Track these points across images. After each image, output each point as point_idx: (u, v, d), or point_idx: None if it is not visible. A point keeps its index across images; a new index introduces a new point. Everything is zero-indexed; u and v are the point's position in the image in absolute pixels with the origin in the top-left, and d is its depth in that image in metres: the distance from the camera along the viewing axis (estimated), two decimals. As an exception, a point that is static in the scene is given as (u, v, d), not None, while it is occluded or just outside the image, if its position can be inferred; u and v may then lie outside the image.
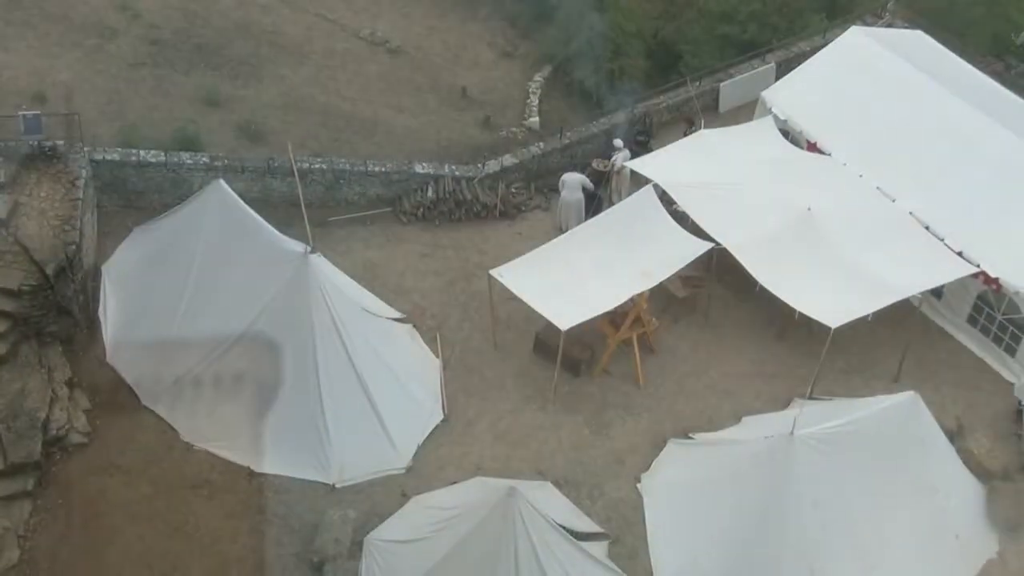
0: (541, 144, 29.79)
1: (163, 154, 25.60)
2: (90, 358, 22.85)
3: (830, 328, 22.36)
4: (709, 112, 31.17)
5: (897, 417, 20.59)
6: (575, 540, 19.23)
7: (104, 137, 25.94)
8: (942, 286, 24.61)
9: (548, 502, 19.99)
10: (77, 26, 29.62)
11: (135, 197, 25.76)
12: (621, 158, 27.90)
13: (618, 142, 28.50)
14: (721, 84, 32.14)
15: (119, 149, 25.47)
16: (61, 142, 24.34)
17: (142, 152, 25.49)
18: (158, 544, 19.90)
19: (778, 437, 19.99)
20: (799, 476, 19.64)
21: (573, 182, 27.32)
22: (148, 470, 20.96)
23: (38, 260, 21.74)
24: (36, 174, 23.61)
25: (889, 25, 33.47)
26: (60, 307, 22.17)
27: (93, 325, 23.37)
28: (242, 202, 22.74)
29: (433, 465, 21.84)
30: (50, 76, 27.55)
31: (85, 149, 24.53)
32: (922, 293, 23.92)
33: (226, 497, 20.70)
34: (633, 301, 23.17)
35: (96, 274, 24.08)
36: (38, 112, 24.57)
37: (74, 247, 22.26)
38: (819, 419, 20.40)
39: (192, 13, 31.40)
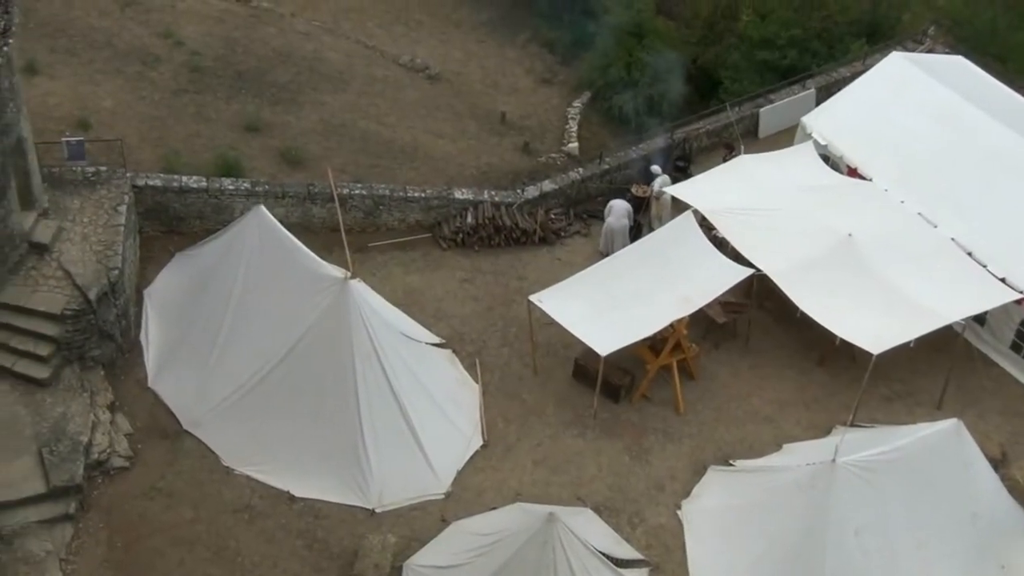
0: (580, 170, 29.83)
1: (204, 180, 25.77)
2: (131, 382, 22.97)
3: (872, 355, 22.21)
4: (749, 138, 31.12)
5: (940, 445, 20.37)
6: (615, 567, 19.15)
7: (146, 163, 26.16)
8: (985, 313, 24.42)
9: (588, 528, 19.89)
10: (120, 53, 29.93)
11: (177, 222, 25.93)
12: (659, 184, 27.86)
13: (656, 168, 28.48)
14: (761, 110, 32.08)
15: (161, 175, 25.66)
16: (104, 168, 24.57)
17: (184, 178, 25.67)
18: (199, 568, 19.95)
19: (820, 464, 19.85)
20: (841, 503, 19.47)
21: (620, 208, 27.30)
22: (189, 494, 21.02)
23: (81, 285, 21.91)
24: (79, 200, 23.82)
25: (930, 50, 33.36)
26: (102, 332, 22.31)
27: (135, 349, 23.52)
28: (283, 228, 22.85)
29: (473, 490, 21.80)
30: (93, 103, 27.84)
31: (128, 175, 24.73)
32: (965, 320, 23.69)
33: (266, 521, 20.73)
34: (673, 327, 23.09)
35: (138, 299, 24.26)
36: (82, 139, 24.87)
37: (116, 272, 22.42)
38: (861, 446, 20.25)
39: (233, 41, 31.69)
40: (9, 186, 21.46)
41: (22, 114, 21.88)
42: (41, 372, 21.41)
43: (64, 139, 24.74)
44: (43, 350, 21.46)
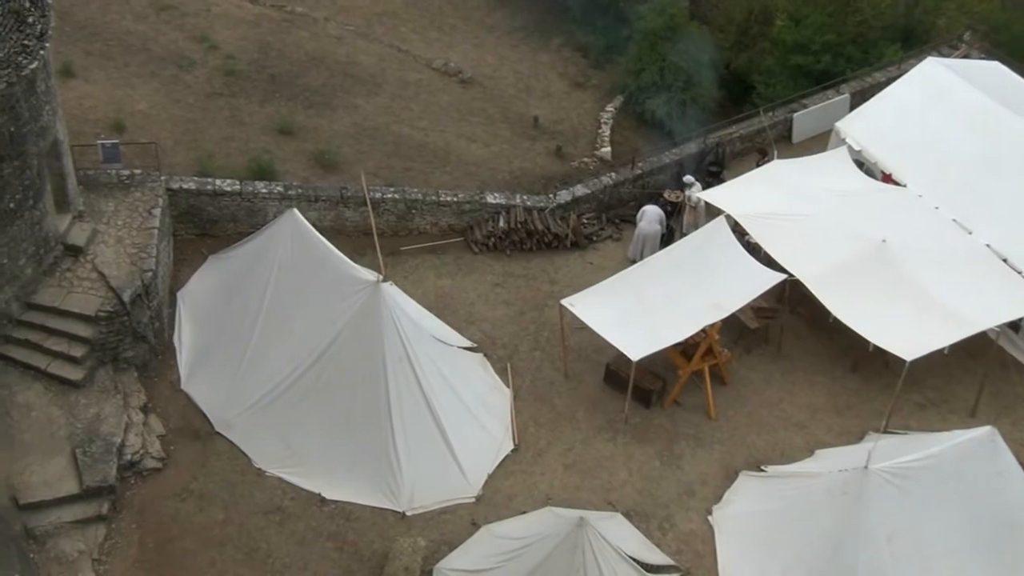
0: (613, 174, 29.78)
1: (238, 183, 25.91)
2: (164, 384, 23.11)
3: (905, 361, 22.06)
4: (782, 143, 31.02)
5: (974, 452, 20.19)
6: (645, 572, 19.12)
7: (180, 166, 26.33)
8: (1020, 319, 24.20)
9: (618, 533, 19.86)
10: (155, 57, 30.16)
11: (210, 225, 26.08)
12: (694, 192, 27.74)
13: (689, 178, 28.33)
14: (794, 115, 31.95)
15: (195, 178, 25.81)
16: (139, 171, 24.73)
17: (218, 181, 25.81)
18: (230, 569, 20.03)
19: (852, 471, 19.72)
20: (873, 510, 19.34)
21: (652, 214, 27.22)
22: (220, 495, 21.11)
23: (115, 287, 22.06)
24: (114, 202, 24.00)
25: (965, 56, 33.11)
26: (136, 333, 22.44)
27: (167, 351, 23.68)
28: (315, 231, 22.93)
29: (503, 494, 21.79)
30: (128, 106, 28.06)
31: (162, 178, 24.88)
32: (1000, 326, 23.51)
33: (297, 524, 20.78)
34: (705, 332, 23.01)
35: (171, 301, 24.40)
36: (116, 141, 25.03)
37: (150, 274, 22.56)
38: (894, 453, 20.12)
39: (267, 44, 31.84)
40: (45, 188, 21.64)
41: (58, 117, 22.07)
42: (75, 373, 21.56)
43: (99, 142, 24.91)
44: (77, 351, 21.62)
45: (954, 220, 25.42)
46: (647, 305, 23.39)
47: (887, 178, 27.02)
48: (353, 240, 25.46)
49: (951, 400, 24.21)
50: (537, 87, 33.89)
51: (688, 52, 32.72)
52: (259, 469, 21.59)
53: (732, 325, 24.44)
